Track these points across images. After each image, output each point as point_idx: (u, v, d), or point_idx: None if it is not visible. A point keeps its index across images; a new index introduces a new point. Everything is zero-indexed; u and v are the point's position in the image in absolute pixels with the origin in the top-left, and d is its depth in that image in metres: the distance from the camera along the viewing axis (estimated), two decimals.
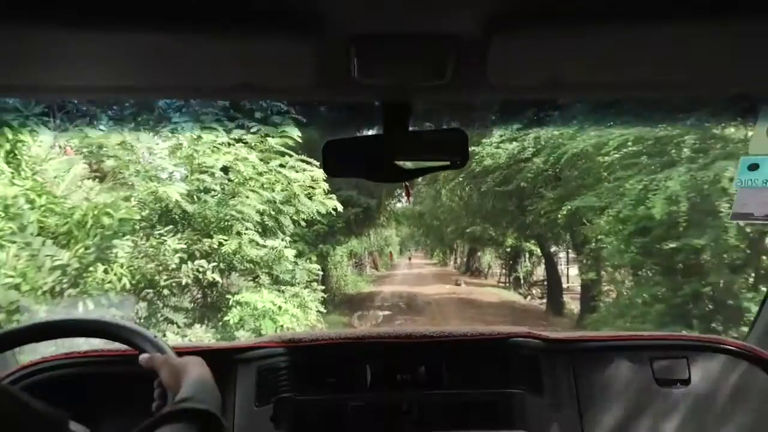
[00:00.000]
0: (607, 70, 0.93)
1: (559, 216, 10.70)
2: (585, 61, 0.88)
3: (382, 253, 41.03)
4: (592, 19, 0.74)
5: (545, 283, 22.38)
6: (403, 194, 19.34)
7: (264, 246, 8.35)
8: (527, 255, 23.37)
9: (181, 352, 1.18)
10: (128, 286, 6.38)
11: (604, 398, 1.59)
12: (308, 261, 14.97)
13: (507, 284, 24.49)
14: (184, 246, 6.97)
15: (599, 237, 10.00)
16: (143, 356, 1.18)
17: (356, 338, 1.71)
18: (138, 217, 6.54)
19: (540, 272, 23.63)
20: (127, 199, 6.64)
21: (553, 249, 16.66)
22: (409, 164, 1.13)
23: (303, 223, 10.04)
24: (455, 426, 1.54)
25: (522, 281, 23.33)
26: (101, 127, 7.49)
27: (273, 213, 8.73)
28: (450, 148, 1.12)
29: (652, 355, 1.63)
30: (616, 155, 8.51)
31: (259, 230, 8.44)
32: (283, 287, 9.18)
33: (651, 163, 7.98)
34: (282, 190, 8.85)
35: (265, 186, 8.54)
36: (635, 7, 0.73)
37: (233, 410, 1.53)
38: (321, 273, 13.44)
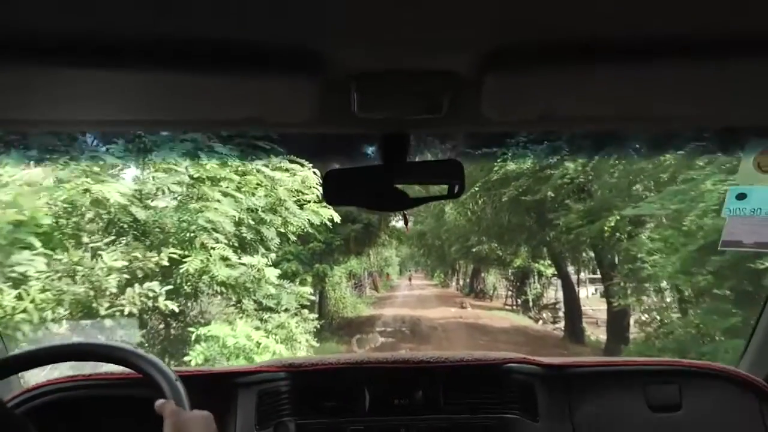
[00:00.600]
0: (597, 105, 0.97)
1: (588, 231, 8.96)
2: (576, 96, 0.92)
3: (382, 274, 39.56)
4: (583, 56, 0.76)
5: (557, 306, 20.70)
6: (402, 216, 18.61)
7: (240, 264, 6.57)
8: (536, 276, 21.58)
9: (182, 376, 1.16)
10: (51, 316, 4.61)
11: (597, 423, 1.57)
12: (301, 283, 13.24)
13: (515, 307, 22.66)
14: (125, 263, 5.19)
15: (648, 254, 8.20)
16: (159, 402, 1.12)
17: (355, 363, 1.71)
18: (48, 221, 4.76)
19: (551, 295, 21.91)
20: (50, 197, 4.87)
21: (569, 269, 14.85)
22: (408, 194, 1.13)
23: (293, 238, 8.26)
24: None
25: (531, 304, 21.51)
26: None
27: (253, 223, 6.97)
28: (447, 178, 1.14)
29: (645, 381, 1.61)
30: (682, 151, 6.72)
31: (235, 244, 6.66)
32: (266, 316, 7.34)
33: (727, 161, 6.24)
34: (265, 195, 7.08)
35: (242, 188, 6.78)
36: (625, 45, 0.74)
37: None
38: (315, 297, 11.61)
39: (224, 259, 6.27)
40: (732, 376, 1.62)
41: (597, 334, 15.36)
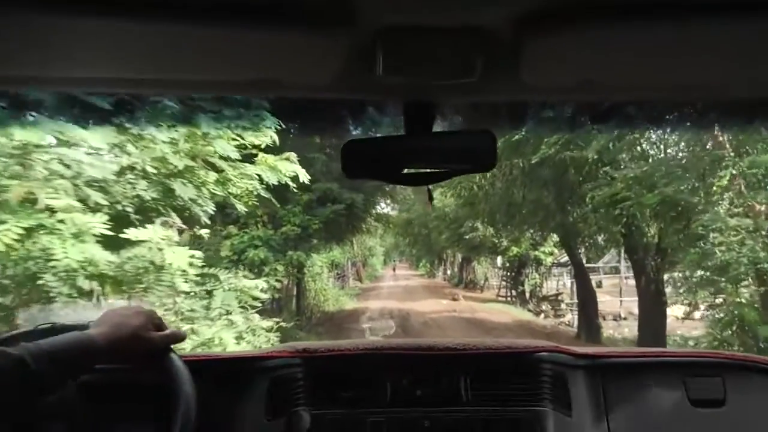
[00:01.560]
0: (645, 72, 0.88)
1: (635, 204, 6.66)
2: (622, 61, 0.83)
3: (367, 264, 37.62)
4: (630, 17, 0.68)
5: (559, 298, 18.55)
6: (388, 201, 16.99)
7: (128, 241, 4.06)
8: (534, 265, 19.40)
9: (189, 361, 1.13)
10: None
11: (634, 418, 1.45)
12: (270, 273, 10.81)
13: (510, 299, 20.49)
14: None
15: (722, 232, 5.94)
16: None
17: (375, 349, 1.59)
18: None
19: (551, 285, 19.76)
20: None
21: (582, 257, 12.57)
22: (432, 167, 1.05)
23: (241, 207, 5.85)
24: None
25: (529, 296, 19.33)
26: None
27: (154, 173, 4.37)
28: (477, 152, 1.03)
29: (685, 373, 1.49)
30: None
31: (122, 208, 4.01)
32: (183, 327, 4.71)
33: None
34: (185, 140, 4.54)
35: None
36: (677, 5, 0.65)
37: (243, 423, 1.42)
38: (277, 294, 9.22)
39: (83, 232, 3.52)
40: None
41: (612, 331, 13.18)
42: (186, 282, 4.71)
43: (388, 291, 26.04)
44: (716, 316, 6.94)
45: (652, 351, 1.70)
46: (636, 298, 9.83)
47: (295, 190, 7.72)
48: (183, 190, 4.59)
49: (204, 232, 5.72)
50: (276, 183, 6.17)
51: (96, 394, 1.17)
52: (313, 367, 1.51)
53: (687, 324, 9.28)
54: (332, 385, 1.50)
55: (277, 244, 11.16)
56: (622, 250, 12.79)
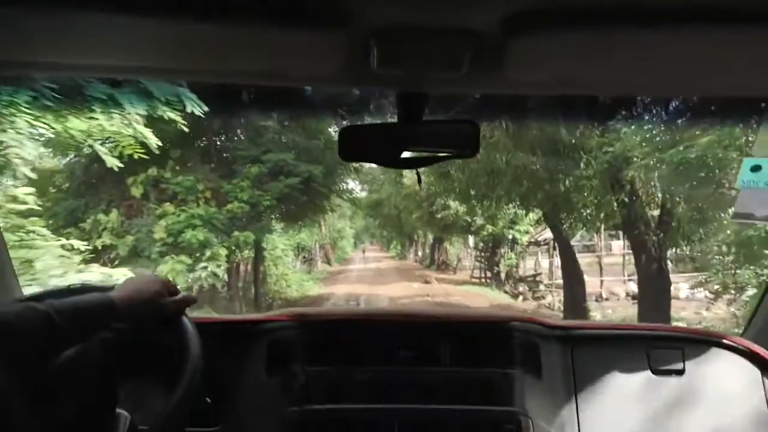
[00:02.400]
0: (620, 69, 0.95)
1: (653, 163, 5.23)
2: (598, 59, 0.90)
3: (336, 246, 36.02)
4: (607, 18, 0.74)
5: (537, 278, 17.23)
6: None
7: None
8: (510, 244, 18.04)
9: (197, 323, 1.17)
10: None
11: (600, 383, 1.56)
12: (211, 258, 9.08)
13: (485, 280, 19.11)
14: None
15: None
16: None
17: (364, 315, 1.76)
18: None
19: (528, 265, 18.43)
20: None
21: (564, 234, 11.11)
22: (421, 152, 1.16)
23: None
24: (453, 401, 1.50)
25: (505, 277, 17.95)
26: None
27: None
28: (462, 139, 1.14)
29: (648, 345, 1.59)
30: None
31: None
32: None
33: None
34: None
35: None
36: (646, 10, 0.74)
37: (244, 379, 1.52)
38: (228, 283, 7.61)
39: None
40: (736, 345, 1.58)
41: (595, 312, 11.84)
42: None
43: (358, 274, 24.43)
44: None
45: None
46: (618, 278, 8.57)
47: None
48: None
49: None
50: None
51: (114, 350, 1.17)
52: (307, 330, 1.60)
53: (693, 304, 8.00)
54: (324, 346, 1.58)
55: (221, 223, 9.40)
56: (602, 227, 11.50)
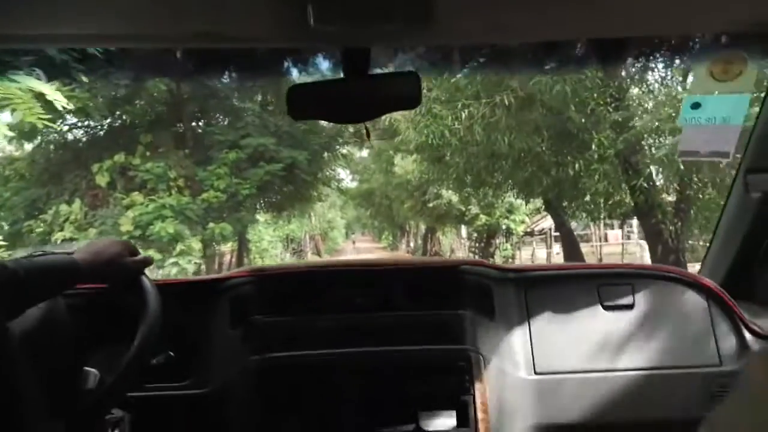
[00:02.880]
0: (547, 15, 0.96)
1: None
2: (526, 5, 0.91)
3: (327, 237, 35.16)
4: None
5: None
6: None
7: None
8: (506, 234, 17.30)
9: (159, 285, 1.21)
10: None
11: (553, 321, 1.60)
12: (185, 253, 8.17)
13: None
14: None
15: None
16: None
17: (321, 266, 1.82)
18: None
19: (525, 256, 17.70)
20: None
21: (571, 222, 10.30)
22: (368, 105, 1.17)
23: None
24: (409, 343, 1.54)
25: None
26: None
27: None
28: (407, 90, 1.18)
29: (599, 283, 1.63)
30: None
31: None
32: None
33: None
34: None
35: None
36: None
37: (209, 334, 1.58)
38: None
39: None
40: (683, 277, 1.64)
41: None
42: None
43: None
44: None
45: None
46: None
47: None
48: None
49: None
50: None
51: (79, 314, 1.21)
52: (267, 284, 1.64)
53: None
54: (283, 298, 1.63)
55: (195, 214, 8.47)
56: (604, 216, 10.69)
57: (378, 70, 1.16)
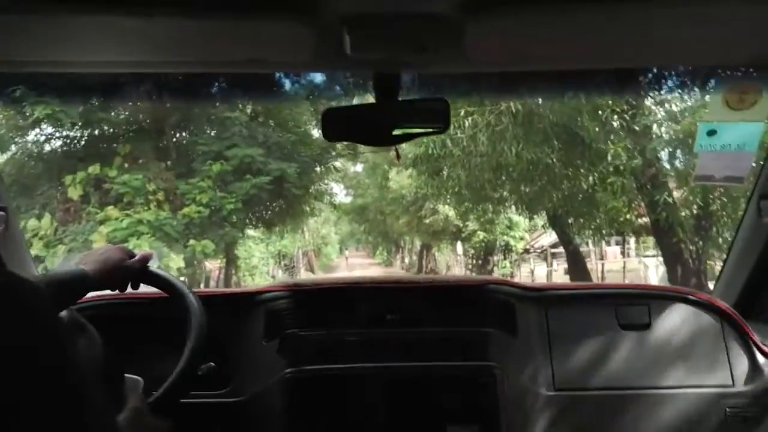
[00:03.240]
0: (575, 43, 1.03)
1: None
2: (552, 36, 0.97)
3: (320, 253, 34.43)
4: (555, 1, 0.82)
5: None
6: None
7: None
8: (503, 251, 16.71)
9: (200, 296, 1.26)
10: None
11: (572, 339, 1.64)
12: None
13: None
14: None
15: None
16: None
17: (353, 283, 1.83)
18: None
19: (524, 273, 17.07)
20: None
21: (576, 241, 9.63)
22: (399, 129, 1.21)
23: None
24: (436, 359, 1.58)
25: None
26: None
27: None
28: (434, 115, 1.21)
29: (617, 303, 1.66)
30: None
31: None
32: None
33: None
34: None
35: None
36: None
37: (243, 346, 1.63)
38: None
39: None
40: (697, 298, 1.67)
41: None
42: None
43: None
44: None
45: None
46: None
47: None
48: None
49: None
50: None
51: (108, 323, 1.22)
52: (301, 298, 1.68)
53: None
54: (316, 312, 1.66)
55: (174, 231, 7.75)
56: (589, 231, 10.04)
57: (407, 96, 1.18)
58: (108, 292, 1.43)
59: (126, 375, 1.09)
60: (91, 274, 1.10)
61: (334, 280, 1.86)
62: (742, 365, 1.57)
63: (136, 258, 1.24)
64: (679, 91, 5.81)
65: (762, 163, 1.68)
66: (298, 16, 0.84)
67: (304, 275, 25.89)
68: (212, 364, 1.27)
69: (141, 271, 1.23)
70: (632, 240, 16.54)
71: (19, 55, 0.99)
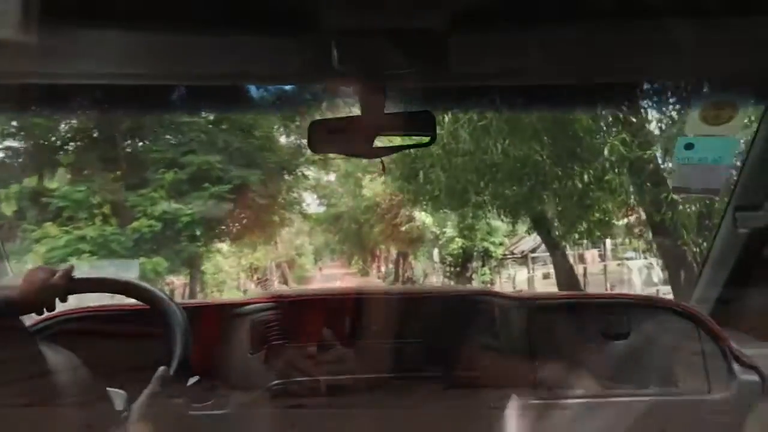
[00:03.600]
0: (556, 60, 1.05)
1: None
2: (538, 52, 0.99)
3: (295, 265, 33.54)
4: (544, 15, 0.85)
5: None
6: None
7: None
8: (483, 258, 16.19)
9: (185, 307, 1.27)
10: None
11: (555, 347, 1.68)
12: None
13: None
14: None
15: None
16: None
17: (339, 293, 1.84)
18: None
19: (503, 279, 16.55)
20: None
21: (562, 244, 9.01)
22: (385, 142, 1.26)
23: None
24: (421, 369, 1.62)
25: None
26: None
27: None
28: (421, 127, 1.22)
29: (599, 311, 1.71)
30: None
31: None
32: None
33: None
34: None
35: None
36: (586, 6, 0.83)
37: (229, 357, 1.63)
38: None
39: None
40: (673, 307, 1.70)
41: None
42: None
43: None
44: None
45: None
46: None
47: None
48: None
49: None
50: None
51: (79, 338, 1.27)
52: (287, 309, 1.69)
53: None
54: (302, 323, 1.68)
55: (122, 248, 6.88)
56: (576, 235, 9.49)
57: (393, 109, 1.17)
58: (90, 304, 1.53)
59: (108, 389, 1.10)
60: (18, 298, 1.14)
61: (320, 291, 1.85)
62: (717, 372, 1.59)
63: (59, 273, 1.22)
64: (660, 107, 5.71)
65: (736, 175, 1.73)
66: (286, 29, 0.88)
67: (277, 288, 24.97)
68: (197, 377, 1.31)
69: (66, 285, 1.22)
70: (608, 242, 16.23)
71: (28, 67, 1.00)
